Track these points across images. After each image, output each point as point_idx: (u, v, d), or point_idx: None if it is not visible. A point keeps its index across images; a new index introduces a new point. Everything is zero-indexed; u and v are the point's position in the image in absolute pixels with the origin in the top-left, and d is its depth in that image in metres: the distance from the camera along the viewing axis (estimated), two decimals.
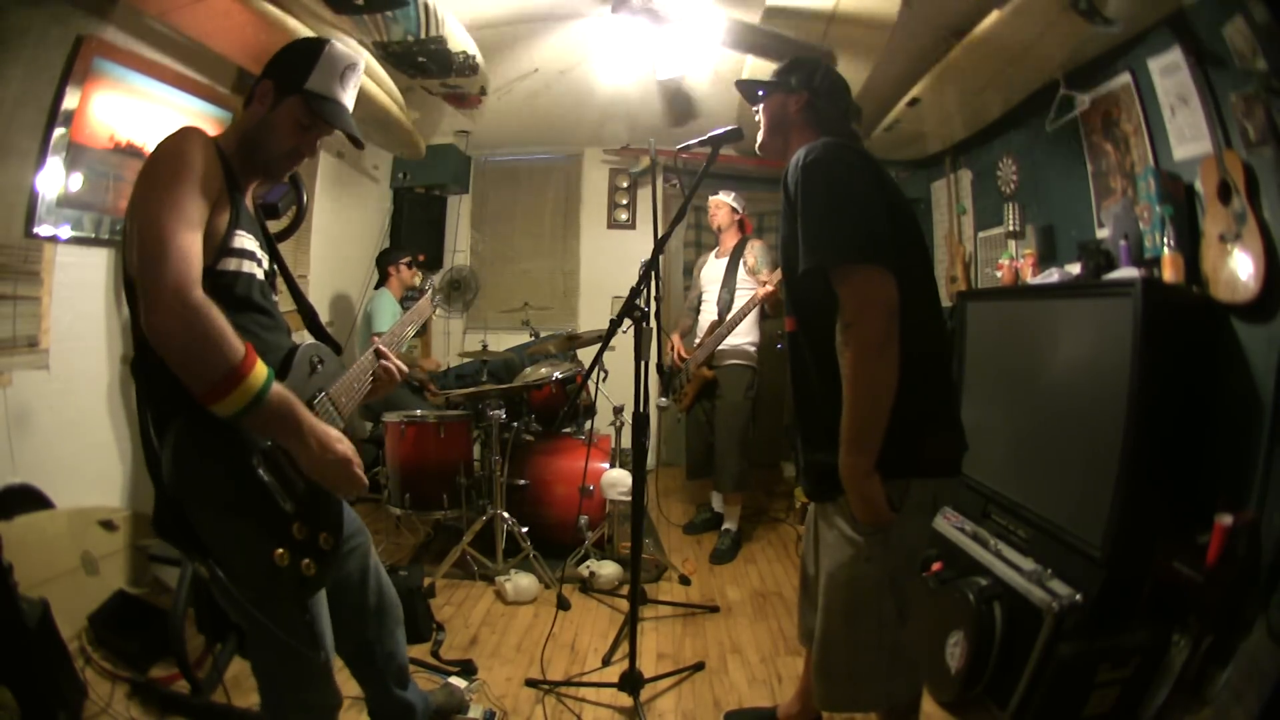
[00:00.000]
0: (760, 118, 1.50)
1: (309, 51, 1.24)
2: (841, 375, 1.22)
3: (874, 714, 1.50)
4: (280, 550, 1.06)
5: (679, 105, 3.28)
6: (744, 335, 3.14)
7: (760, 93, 1.50)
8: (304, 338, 1.32)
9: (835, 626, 1.35)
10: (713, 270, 3.29)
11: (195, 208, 1.03)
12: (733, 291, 3.16)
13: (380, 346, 1.38)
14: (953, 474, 1.36)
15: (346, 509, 1.30)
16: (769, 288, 2.92)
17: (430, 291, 1.82)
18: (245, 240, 1.16)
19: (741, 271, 3.17)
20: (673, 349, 3.30)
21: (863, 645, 1.33)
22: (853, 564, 1.30)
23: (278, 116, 1.21)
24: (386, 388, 1.40)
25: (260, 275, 1.21)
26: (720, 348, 3.12)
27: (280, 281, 1.35)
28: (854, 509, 1.26)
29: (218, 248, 1.11)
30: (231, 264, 1.13)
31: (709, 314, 3.23)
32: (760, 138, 1.51)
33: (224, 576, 1.05)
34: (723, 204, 3.25)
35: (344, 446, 1.11)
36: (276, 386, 1.03)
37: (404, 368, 1.41)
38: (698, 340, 3.27)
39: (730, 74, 3.07)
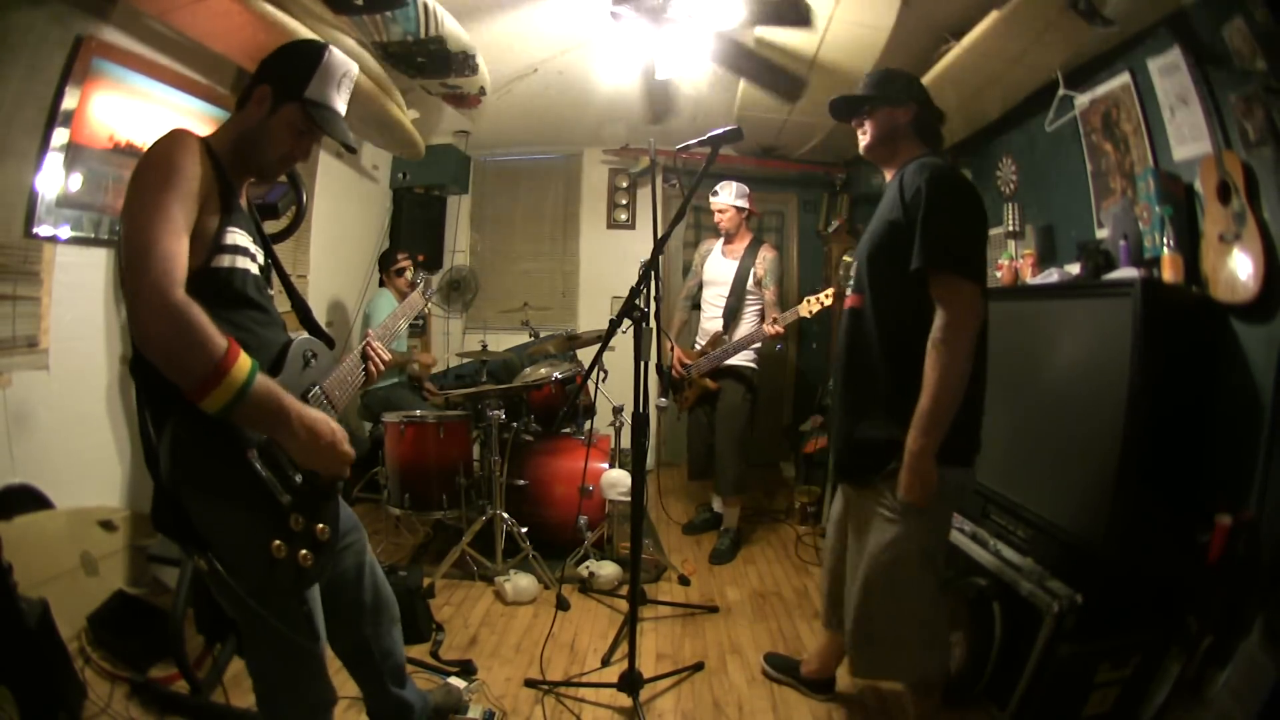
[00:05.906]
0: (865, 128, 1.62)
1: (307, 58, 1.24)
2: (927, 364, 1.40)
3: (903, 686, 1.70)
4: (278, 542, 1.07)
5: (659, 104, 3.25)
6: None
7: (865, 107, 1.61)
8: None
9: (878, 601, 1.53)
10: (719, 268, 3.20)
11: (180, 212, 1.03)
12: (740, 300, 3.11)
13: (370, 338, 1.43)
14: (971, 465, 1.57)
15: (343, 505, 1.30)
16: (778, 328, 2.91)
17: (422, 285, 1.82)
18: (238, 237, 1.16)
19: (750, 281, 3.11)
20: (672, 351, 3.25)
21: (906, 618, 1.52)
22: (897, 543, 1.49)
23: (275, 123, 1.22)
24: (374, 377, 1.45)
25: (255, 270, 1.22)
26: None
27: (275, 279, 1.36)
28: (907, 486, 1.42)
29: (210, 245, 1.11)
30: (225, 260, 1.14)
31: (711, 317, 3.20)
32: (867, 144, 1.63)
33: (222, 570, 1.05)
34: (728, 207, 3.13)
35: (329, 428, 1.12)
36: (261, 378, 1.03)
37: (385, 354, 1.45)
38: (699, 344, 3.25)
39: (730, 76, 3.07)
